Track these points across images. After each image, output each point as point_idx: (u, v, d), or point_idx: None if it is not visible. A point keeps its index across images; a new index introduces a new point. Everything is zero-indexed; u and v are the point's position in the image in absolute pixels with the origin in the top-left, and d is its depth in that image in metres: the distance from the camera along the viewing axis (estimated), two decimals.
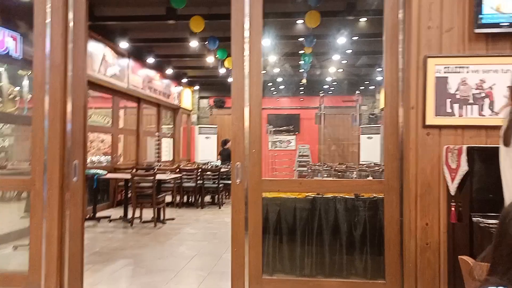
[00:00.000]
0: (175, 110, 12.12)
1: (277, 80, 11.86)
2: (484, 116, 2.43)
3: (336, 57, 9.30)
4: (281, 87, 12.65)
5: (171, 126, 11.89)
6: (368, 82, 12.18)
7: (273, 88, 12.80)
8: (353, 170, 7.06)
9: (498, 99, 2.40)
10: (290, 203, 3.28)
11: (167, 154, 11.18)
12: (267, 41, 7.52)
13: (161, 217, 6.46)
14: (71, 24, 2.88)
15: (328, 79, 11.82)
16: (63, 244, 2.83)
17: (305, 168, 9.76)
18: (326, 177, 6.94)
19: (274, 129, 12.99)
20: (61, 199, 2.83)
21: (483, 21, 2.36)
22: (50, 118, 2.81)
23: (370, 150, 11.30)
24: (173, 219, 6.75)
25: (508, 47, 2.43)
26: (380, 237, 2.94)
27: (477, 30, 2.38)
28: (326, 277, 3.15)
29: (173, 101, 11.49)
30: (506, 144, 1.77)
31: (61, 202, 2.83)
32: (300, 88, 12.55)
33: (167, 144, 11.25)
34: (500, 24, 2.36)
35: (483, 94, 2.43)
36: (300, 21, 6.92)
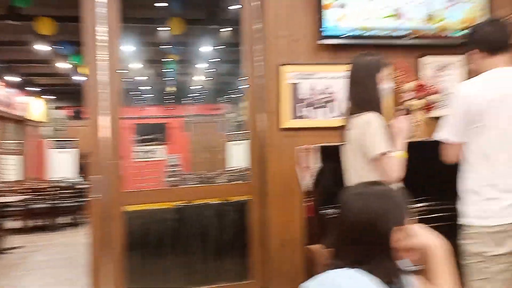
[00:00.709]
0: (20, 122, 10.69)
1: (143, 88, 11.44)
2: (330, 118, 2.70)
3: (202, 65, 9.40)
4: (148, 95, 12.25)
5: (18, 141, 10.43)
6: (234, 90, 12.63)
7: (139, 97, 12.32)
8: (223, 175, 7.19)
9: (340, 103, 2.69)
10: (157, 214, 3.14)
11: (15, 173, 9.76)
12: (130, 47, 7.19)
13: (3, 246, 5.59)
14: None
15: (195, 87, 11.89)
16: None
17: (176, 178, 9.59)
18: (196, 184, 6.93)
19: (141, 139, 12.48)
20: None
21: (326, 33, 2.63)
22: None
23: (240, 155, 11.69)
24: (21, 247, 5.90)
25: (348, 57, 2.74)
26: (248, 239, 3.03)
27: (320, 41, 2.64)
28: (196, 285, 3.10)
29: (17, 112, 10.11)
30: (344, 141, 1.98)
31: None
32: (168, 97, 12.34)
33: (14, 162, 9.83)
34: (340, 36, 2.66)
35: (329, 99, 2.70)
36: (164, 28, 6.80)
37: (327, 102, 2.70)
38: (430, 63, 2.87)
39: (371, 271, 0.90)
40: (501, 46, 1.76)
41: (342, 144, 2.01)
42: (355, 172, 1.92)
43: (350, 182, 1.93)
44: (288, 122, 2.66)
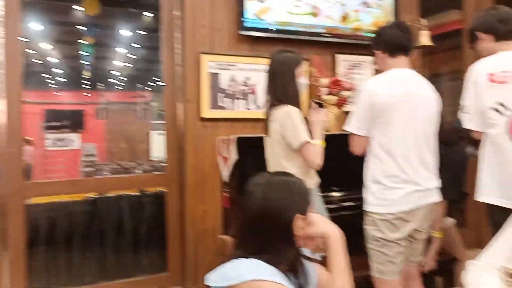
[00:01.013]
0: None
1: (56, 71, 10.58)
2: (250, 109, 2.73)
3: (122, 50, 8.93)
4: (62, 79, 11.35)
5: None
6: (157, 78, 12.19)
7: (52, 80, 11.37)
8: (141, 166, 6.94)
9: (260, 95, 2.72)
10: (66, 207, 2.94)
11: None
12: (38, 26, 6.58)
13: None
14: None
15: (114, 73, 11.28)
16: None
17: (93, 169, 9.05)
18: (112, 175, 6.60)
19: (52, 126, 11.56)
20: None
21: (247, 25, 2.64)
22: None
23: (163, 146, 11.31)
24: None
25: (268, 50, 2.78)
26: (165, 231, 2.96)
27: (241, 32, 2.64)
28: (111, 280, 2.97)
29: None
30: (266, 133, 2.03)
31: None
32: (84, 82, 11.55)
33: None
34: (261, 29, 2.69)
35: (249, 90, 2.72)
36: (78, 8, 6.31)
37: (247, 93, 2.72)
38: (345, 61, 3.03)
39: (271, 260, 0.92)
40: (402, 48, 1.90)
41: (263, 136, 2.06)
42: (277, 163, 1.99)
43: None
44: (208, 112, 2.63)
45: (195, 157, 2.62)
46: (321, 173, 2.12)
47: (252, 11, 2.65)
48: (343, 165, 2.36)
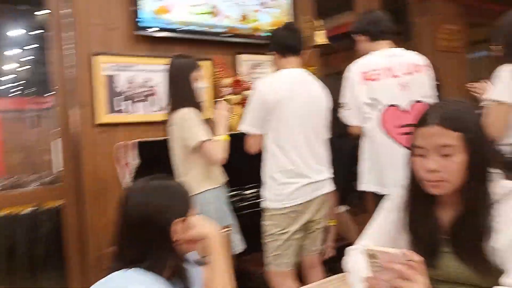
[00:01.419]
0: None
1: None
2: (152, 112, 2.62)
3: (14, 52, 8.11)
4: None
5: None
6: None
7: None
8: (42, 179, 6.37)
9: (162, 97, 2.63)
10: None
11: None
12: None
13: None
14: None
15: (7, 78, 10.21)
16: None
17: None
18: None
19: None
20: None
21: (143, 24, 2.53)
22: None
23: None
24: None
25: (167, 50, 2.71)
26: (64, 248, 2.73)
27: (138, 32, 2.53)
28: None
29: None
30: (168, 137, 2.06)
31: None
32: None
33: None
34: (159, 28, 2.60)
35: (149, 92, 2.62)
36: None
37: (147, 95, 2.61)
38: (246, 61, 3.06)
39: (152, 267, 0.88)
40: (292, 49, 1.99)
41: (165, 139, 2.06)
42: (181, 166, 2.00)
43: (178, 176, 2.00)
44: (105, 117, 2.48)
45: (93, 165, 2.46)
46: (231, 171, 2.13)
47: (148, 9, 2.55)
48: (253, 162, 2.39)
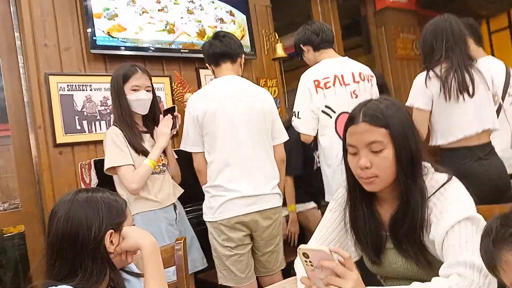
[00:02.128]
0: None
1: None
2: None
3: None
4: None
5: None
6: None
7: None
8: (6, 203, 6.15)
9: None
10: None
11: None
12: None
13: None
14: None
15: None
16: None
17: None
18: None
19: None
20: None
21: (98, 43, 2.53)
22: None
23: None
24: None
25: None
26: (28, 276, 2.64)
27: (93, 51, 2.52)
28: None
29: None
30: None
31: None
32: None
33: None
34: (113, 46, 2.59)
35: (108, 111, 2.60)
36: None
37: (107, 114, 2.59)
38: (208, 75, 3.09)
39: (84, 283, 0.86)
40: (223, 56, 1.92)
41: None
42: (118, 186, 1.90)
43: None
44: (63, 137, 2.44)
45: (53, 187, 2.40)
46: (189, 186, 2.08)
47: (102, 28, 2.55)
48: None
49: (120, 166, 1.78)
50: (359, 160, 1.04)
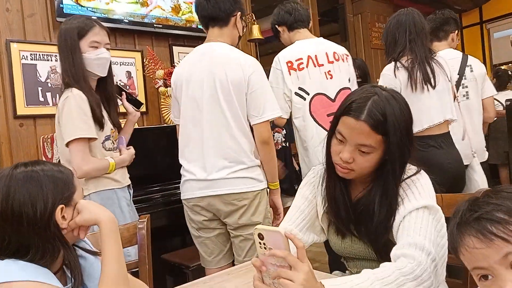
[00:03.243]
0: None
1: None
2: None
3: None
4: None
5: None
6: None
7: None
8: None
9: None
10: None
11: None
12: None
13: None
14: None
15: None
16: None
17: None
18: None
19: None
20: None
21: (65, 11, 2.40)
22: None
23: None
24: None
25: None
26: None
27: (59, 19, 2.39)
28: None
29: None
30: None
31: None
32: None
33: None
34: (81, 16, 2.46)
35: None
36: None
37: None
38: (181, 52, 3.01)
39: (35, 260, 0.81)
40: (210, 19, 1.75)
41: None
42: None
43: None
44: (25, 108, 2.32)
45: (13, 160, 2.29)
46: (155, 167, 2.03)
47: None
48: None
49: (85, 137, 1.51)
50: (343, 151, 1.03)
